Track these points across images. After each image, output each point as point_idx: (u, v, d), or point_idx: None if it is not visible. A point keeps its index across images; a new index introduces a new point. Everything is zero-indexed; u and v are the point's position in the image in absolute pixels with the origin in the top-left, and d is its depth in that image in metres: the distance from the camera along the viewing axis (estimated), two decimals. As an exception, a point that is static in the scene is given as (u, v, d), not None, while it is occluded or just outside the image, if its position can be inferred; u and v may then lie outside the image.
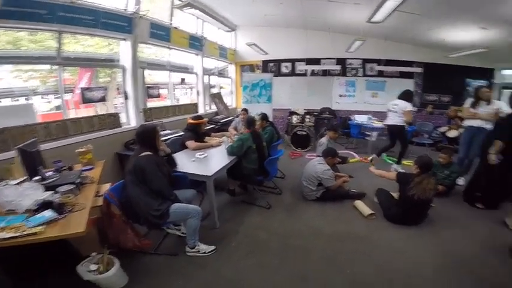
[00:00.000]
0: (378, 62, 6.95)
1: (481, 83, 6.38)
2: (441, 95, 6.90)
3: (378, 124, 5.42)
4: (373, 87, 7.27)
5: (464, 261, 2.26)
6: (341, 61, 7.34)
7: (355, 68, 7.41)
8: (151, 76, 5.43)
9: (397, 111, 4.32)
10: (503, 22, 4.23)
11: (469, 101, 3.77)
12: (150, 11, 4.14)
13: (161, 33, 4.57)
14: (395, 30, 5.75)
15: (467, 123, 3.75)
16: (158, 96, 4.91)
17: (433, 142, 5.69)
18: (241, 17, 6.74)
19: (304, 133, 5.50)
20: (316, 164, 3.39)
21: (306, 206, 3.28)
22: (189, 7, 4.08)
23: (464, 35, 5.20)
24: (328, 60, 7.43)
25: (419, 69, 6.74)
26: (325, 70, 7.50)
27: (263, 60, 7.84)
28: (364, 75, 7.32)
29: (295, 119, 6.09)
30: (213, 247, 2.32)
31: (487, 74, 6.85)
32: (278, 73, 7.79)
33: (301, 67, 7.54)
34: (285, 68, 7.83)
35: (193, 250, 2.26)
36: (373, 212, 2.99)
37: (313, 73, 7.62)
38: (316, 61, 7.46)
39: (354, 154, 5.12)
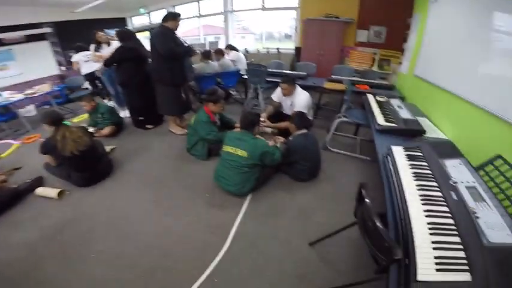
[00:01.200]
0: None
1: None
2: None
3: (18, 96, 4.31)
4: (-3, 60, 5.57)
5: (168, 171, 2.77)
6: None
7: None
8: None
9: (90, 59, 4.43)
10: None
11: (92, 47, 3.93)
12: None
13: None
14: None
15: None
16: None
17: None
18: None
19: None
20: None
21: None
22: None
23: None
24: None
25: (49, 30, 6.07)
26: None
27: None
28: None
29: None
30: None
31: (121, 22, 7.71)
32: None
33: None
34: None
35: None
36: (62, 189, 2.47)
37: None
38: None
39: (12, 141, 3.87)
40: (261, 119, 3.08)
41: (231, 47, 5.05)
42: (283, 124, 3.01)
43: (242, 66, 4.73)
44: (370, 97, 2.90)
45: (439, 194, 1.27)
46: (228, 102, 4.89)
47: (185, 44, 3.26)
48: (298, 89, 3.06)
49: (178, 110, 3.52)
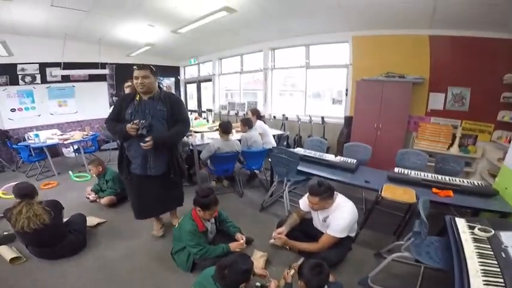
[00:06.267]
0: (60, 65, 5.75)
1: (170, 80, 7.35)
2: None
3: (51, 141, 4.35)
4: (59, 95, 6.01)
5: (139, 273, 2.15)
6: (8, 67, 5.35)
7: (30, 74, 5.72)
8: None
9: None
10: (164, 17, 4.28)
11: None
12: None
13: None
14: (76, 29, 4.98)
15: None
16: None
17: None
18: None
19: None
20: None
21: None
22: None
23: (136, 33, 5.22)
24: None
25: (108, 71, 6.42)
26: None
27: None
28: (45, 81, 5.87)
29: None
30: None
31: (174, 71, 8.06)
32: None
33: None
34: None
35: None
36: (18, 255, 2.26)
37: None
38: None
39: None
40: (276, 232, 2.24)
41: (257, 115, 3.97)
42: (304, 245, 2.13)
43: (268, 139, 3.81)
44: (460, 224, 1.67)
45: None
46: (252, 185, 3.91)
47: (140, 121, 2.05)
48: (339, 200, 2.07)
49: (134, 209, 2.48)
